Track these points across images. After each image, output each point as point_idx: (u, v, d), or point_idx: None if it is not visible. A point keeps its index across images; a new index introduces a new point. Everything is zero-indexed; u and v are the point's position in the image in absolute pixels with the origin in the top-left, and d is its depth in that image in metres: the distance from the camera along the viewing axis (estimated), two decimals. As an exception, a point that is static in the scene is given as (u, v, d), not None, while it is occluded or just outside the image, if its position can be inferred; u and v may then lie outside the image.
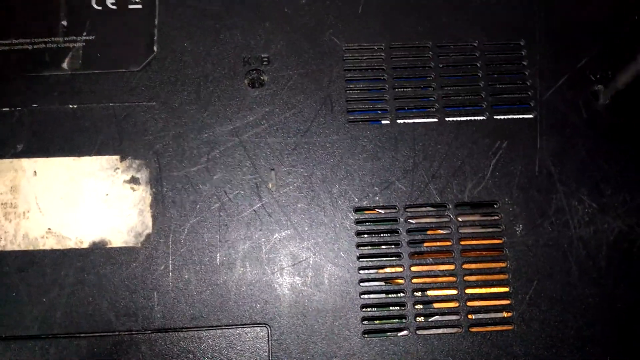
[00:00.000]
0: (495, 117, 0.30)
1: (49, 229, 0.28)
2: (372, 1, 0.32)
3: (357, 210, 0.29)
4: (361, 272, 0.28)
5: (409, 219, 0.29)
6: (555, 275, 0.28)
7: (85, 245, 0.28)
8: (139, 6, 0.31)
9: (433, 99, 0.30)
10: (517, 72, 0.31)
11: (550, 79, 0.31)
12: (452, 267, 0.28)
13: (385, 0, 0.32)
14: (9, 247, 0.28)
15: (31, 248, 0.28)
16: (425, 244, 0.29)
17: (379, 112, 0.31)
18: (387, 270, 0.28)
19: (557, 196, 0.29)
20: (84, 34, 0.31)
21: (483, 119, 0.30)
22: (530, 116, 0.30)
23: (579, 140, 0.30)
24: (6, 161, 0.29)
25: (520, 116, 0.30)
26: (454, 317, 0.28)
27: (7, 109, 0.30)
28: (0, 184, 0.29)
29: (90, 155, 0.29)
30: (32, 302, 0.27)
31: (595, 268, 0.28)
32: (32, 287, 0.28)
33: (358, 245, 0.28)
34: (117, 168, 0.29)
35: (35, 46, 0.31)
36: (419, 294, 0.28)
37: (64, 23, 0.31)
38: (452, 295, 0.28)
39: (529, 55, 0.31)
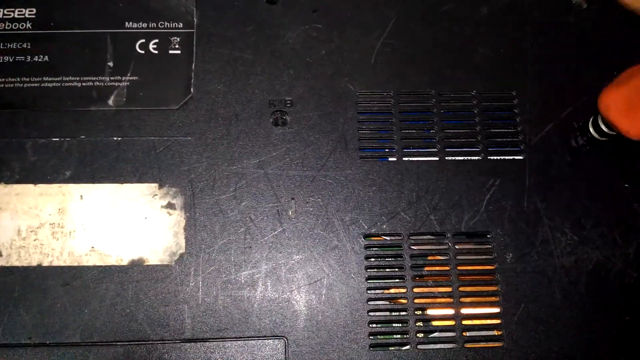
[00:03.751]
0: (489, 157, 0.33)
1: (92, 247, 0.31)
2: (382, 53, 0.35)
3: (367, 236, 0.32)
4: (369, 292, 0.31)
5: (412, 245, 0.32)
6: (540, 298, 0.31)
7: (125, 262, 0.31)
8: (178, 52, 0.34)
9: (435, 140, 0.34)
10: (509, 118, 0.34)
11: (538, 125, 0.34)
12: (449, 289, 0.31)
13: (394, 53, 0.35)
14: (55, 263, 0.30)
15: (75, 264, 0.30)
16: (426, 268, 0.31)
17: (387, 150, 0.33)
18: (392, 290, 0.31)
19: (543, 229, 0.32)
20: (128, 74, 0.34)
21: (479, 159, 0.33)
22: (521, 158, 0.33)
23: (563, 180, 0.33)
24: (55, 186, 0.32)
25: (512, 157, 0.33)
26: (450, 334, 0.30)
27: (57, 139, 0.32)
28: (49, 206, 0.31)
29: (131, 182, 0.32)
30: (75, 312, 0.30)
31: (576, 293, 0.31)
32: (75, 299, 0.30)
33: (367, 268, 0.31)
34: (156, 194, 0.32)
35: (84, 84, 0.33)
36: (420, 312, 0.31)
37: (110, 64, 0.34)
38: (449, 314, 0.31)
39: (520, 105, 0.34)
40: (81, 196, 0.32)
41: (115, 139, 0.33)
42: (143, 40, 0.34)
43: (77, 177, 0.32)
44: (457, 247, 0.32)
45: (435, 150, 0.33)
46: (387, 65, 0.35)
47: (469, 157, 0.33)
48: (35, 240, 0.31)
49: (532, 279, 0.31)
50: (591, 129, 0.32)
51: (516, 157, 0.33)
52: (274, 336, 0.30)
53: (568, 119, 0.34)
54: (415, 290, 0.31)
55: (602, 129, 0.31)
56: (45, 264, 0.31)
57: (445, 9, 0.36)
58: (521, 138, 0.34)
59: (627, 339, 0.31)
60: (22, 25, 0.35)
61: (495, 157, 0.33)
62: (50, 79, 0.34)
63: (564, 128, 0.34)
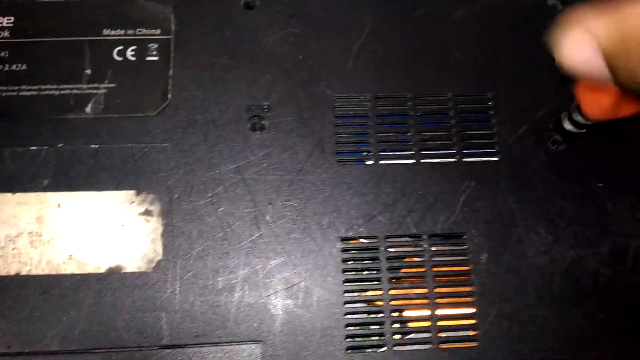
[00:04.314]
0: (464, 159, 0.34)
1: (71, 255, 0.31)
2: (359, 57, 0.35)
3: (343, 239, 0.32)
4: (346, 294, 0.31)
5: (389, 248, 0.32)
6: (515, 298, 0.31)
7: (103, 270, 0.31)
8: (156, 58, 0.34)
9: (411, 143, 0.34)
10: (485, 120, 0.34)
11: (513, 127, 0.34)
12: (425, 290, 0.31)
13: (370, 57, 0.35)
14: (34, 272, 0.31)
15: (54, 272, 0.31)
16: (403, 270, 0.32)
17: (364, 153, 0.34)
18: (369, 293, 0.31)
19: (517, 229, 0.33)
20: (106, 82, 0.34)
21: (454, 161, 0.34)
22: (495, 159, 0.34)
23: (537, 180, 0.33)
24: (33, 194, 0.32)
25: (487, 159, 0.34)
26: (426, 335, 0.31)
27: (35, 147, 0.32)
28: (27, 215, 0.32)
29: (109, 190, 0.32)
30: (54, 321, 0.30)
31: (550, 292, 0.32)
32: (53, 307, 0.30)
33: (344, 271, 0.32)
34: (133, 202, 0.32)
35: (62, 92, 0.33)
36: (396, 314, 0.31)
37: (88, 72, 0.34)
38: (425, 315, 0.31)
39: (495, 107, 0.35)
40: (59, 204, 0.32)
41: (92, 146, 0.33)
42: (121, 48, 0.35)
43: (55, 186, 0.32)
44: (432, 248, 0.32)
45: (411, 153, 0.34)
46: (363, 70, 0.35)
47: (445, 160, 0.34)
48: (13, 249, 0.31)
49: (507, 279, 0.32)
50: (566, 123, 0.32)
51: (491, 159, 0.34)
52: (251, 340, 0.30)
53: (542, 121, 0.34)
54: (392, 292, 0.31)
55: (577, 120, 0.31)
56: (24, 272, 0.31)
57: (420, 13, 0.36)
58: (496, 140, 0.34)
59: (601, 337, 0.31)
60: (0, 34, 0.35)
61: (470, 159, 0.34)
62: (28, 88, 0.34)
63: (539, 129, 0.34)
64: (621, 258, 0.33)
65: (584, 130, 0.32)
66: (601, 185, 0.34)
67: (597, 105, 0.27)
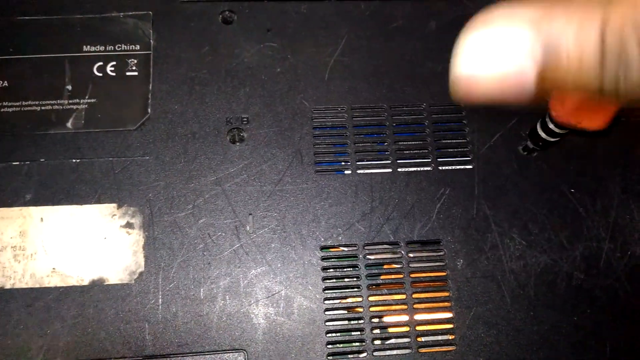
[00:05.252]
0: (440, 167, 0.34)
1: (54, 268, 0.31)
2: (335, 70, 0.36)
3: (323, 248, 0.33)
4: (326, 302, 0.32)
5: (367, 255, 0.33)
6: (491, 302, 0.32)
7: (86, 282, 0.31)
8: (135, 73, 0.35)
9: (388, 152, 0.35)
10: (459, 130, 0.35)
11: (486, 135, 0.35)
12: (403, 296, 0.32)
13: (347, 69, 0.36)
14: (18, 285, 0.31)
15: (37, 286, 0.31)
16: (381, 277, 0.32)
17: (342, 163, 0.34)
18: (349, 300, 0.32)
19: (492, 235, 0.33)
20: (87, 97, 0.34)
21: (430, 170, 0.34)
22: (470, 167, 0.35)
23: (511, 187, 0.34)
24: (16, 209, 0.32)
25: (461, 167, 0.35)
26: (405, 340, 0.31)
27: (17, 162, 0.33)
28: (10, 229, 0.32)
29: (90, 203, 0.32)
30: (38, 333, 0.30)
31: (525, 296, 0.32)
32: (37, 320, 0.30)
33: (323, 279, 0.32)
34: (115, 215, 0.33)
35: (43, 107, 0.34)
36: (376, 320, 0.32)
37: (69, 87, 0.34)
38: (404, 321, 0.32)
39: (469, 116, 0.35)
40: (42, 218, 0.32)
41: (74, 161, 0.33)
42: (101, 63, 0.35)
43: (38, 200, 0.32)
44: (410, 255, 0.33)
45: (388, 162, 0.35)
46: (340, 81, 0.36)
47: (421, 168, 0.35)
48: (-4, 263, 0.31)
49: (483, 284, 0.32)
50: (541, 132, 0.33)
51: (465, 167, 0.35)
52: (233, 349, 0.31)
53: (514, 129, 0.35)
54: (371, 298, 0.32)
55: (551, 129, 0.32)
56: (8, 286, 0.31)
57: (395, 26, 0.37)
58: (470, 148, 0.35)
59: (575, 339, 0.32)
60: (-19, 51, 0.35)
61: (445, 167, 0.35)
62: (9, 104, 0.34)
63: (511, 137, 0.35)
64: (594, 261, 0.33)
65: (558, 138, 0.33)
66: (573, 190, 0.35)
67: (560, 104, 0.28)
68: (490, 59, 0.16)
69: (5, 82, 0.35)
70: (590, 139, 0.35)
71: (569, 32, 0.15)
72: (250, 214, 0.33)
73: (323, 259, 0.33)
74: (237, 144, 0.34)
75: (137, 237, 0.32)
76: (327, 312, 0.32)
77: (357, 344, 0.31)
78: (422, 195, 0.34)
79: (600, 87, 0.15)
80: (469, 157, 0.35)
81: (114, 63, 0.35)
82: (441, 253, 0.33)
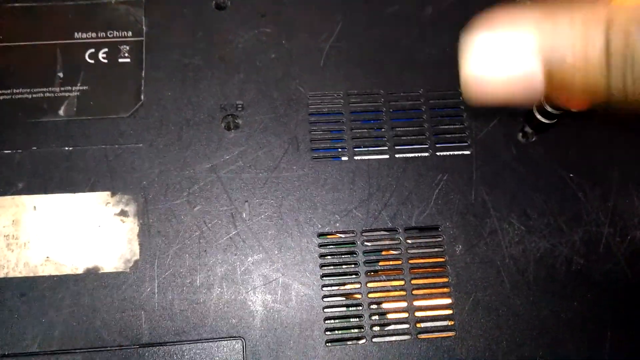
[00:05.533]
0: (437, 153, 0.34)
1: (48, 257, 0.31)
2: (331, 55, 0.36)
3: (320, 235, 0.32)
4: (324, 289, 0.32)
5: (365, 242, 0.32)
6: (490, 288, 0.32)
7: (80, 271, 0.31)
8: (128, 60, 0.34)
9: (385, 138, 0.34)
10: (456, 115, 0.35)
11: (484, 121, 0.35)
12: (402, 282, 0.32)
13: (342, 55, 0.36)
14: (11, 274, 0.31)
15: (31, 275, 0.31)
16: (380, 264, 0.32)
17: (339, 150, 0.34)
18: (347, 286, 0.32)
19: (491, 220, 0.33)
20: (79, 84, 0.34)
21: (427, 155, 0.34)
22: (468, 152, 0.34)
23: (509, 172, 0.34)
24: (8, 198, 0.32)
25: (459, 152, 0.34)
26: (404, 326, 0.31)
27: (9, 151, 0.32)
28: (3, 218, 0.32)
29: (84, 191, 0.32)
30: (33, 322, 0.30)
31: (525, 281, 0.32)
32: (32, 309, 0.30)
33: (321, 266, 0.32)
34: (108, 203, 0.32)
35: (34, 95, 0.34)
36: (374, 306, 0.32)
37: (60, 75, 0.34)
38: (402, 307, 0.32)
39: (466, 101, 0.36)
40: (35, 207, 0.32)
41: (66, 149, 0.33)
42: (92, 50, 0.35)
43: (30, 188, 0.32)
44: (408, 241, 0.33)
45: (385, 148, 0.34)
46: (336, 67, 0.35)
47: (418, 154, 0.34)
48: (-11, 253, 0.31)
49: (482, 269, 0.32)
50: (537, 115, 0.33)
51: (463, 152, 0.34)
52: (231, 337, 0.30)
53: (512, 114, 0.35)
54: (370, 285, 0.32)
55: (547, 110, 0.32)
56: (1, 275, 0.31)
57: (391, 11, 0.37)
58: (468, 134, 0.35)
59: (575, 324, 0.32)
60: (-28, 39, 0.35)
61: (443, 153, 0.34)
62: (1, 92, 0.34)
63: (508, 122, 0.35)
64: (593, 246, 0.33)
65: (555, 120, 0.33)
66: (572, 175, 0.34)
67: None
68: (498, 62, 0.17)
69: (-4, 70, 0.34)
70: (588, 122, 0.35)
71: (575, 33, 0.15)
72: (246, 201, 0.33)
73: (320, 245, 0.32)
74: (232, 130, 0.34)
75: (131, 225, 0.32)
76: (325, 299, 0.31)
77: (356, 330, 0.31)
78: (420, 181, 0.34)
79: (608, 86, 0.15)
80: (466, 142, 0.35)
81: (106, 50, 0.35)
82: (440, 239, 0.33)
